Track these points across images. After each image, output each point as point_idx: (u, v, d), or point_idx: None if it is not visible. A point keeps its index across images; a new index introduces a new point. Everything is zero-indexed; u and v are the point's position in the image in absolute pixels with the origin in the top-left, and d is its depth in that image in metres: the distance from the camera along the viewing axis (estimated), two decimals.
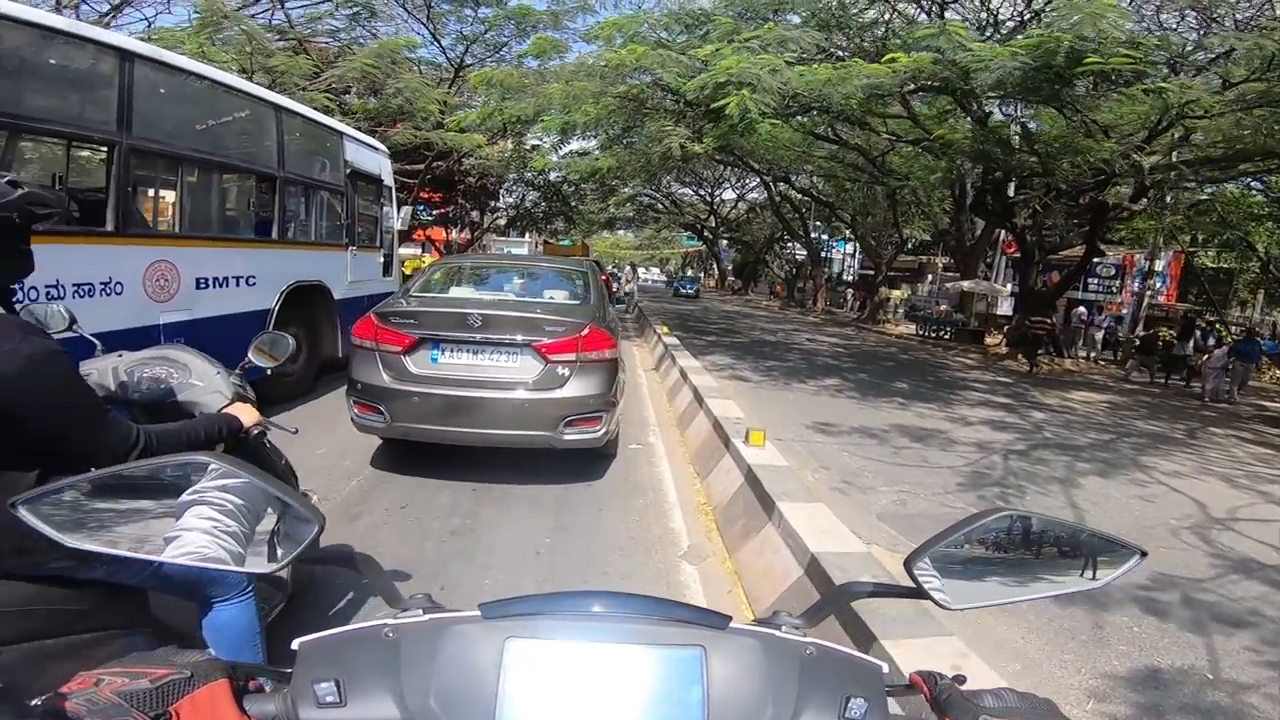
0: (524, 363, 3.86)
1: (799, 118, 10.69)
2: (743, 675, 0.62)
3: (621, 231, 52.55)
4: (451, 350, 3.88)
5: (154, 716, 0.53)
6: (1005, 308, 20.45)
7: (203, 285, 4.61)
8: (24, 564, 1.22)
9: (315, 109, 7.15)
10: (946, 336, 18.78)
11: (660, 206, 39.68)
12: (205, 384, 1.75)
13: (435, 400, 3.75)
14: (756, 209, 36.88)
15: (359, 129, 8.82)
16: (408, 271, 19.70)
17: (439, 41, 17.10)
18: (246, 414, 1.63)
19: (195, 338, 3.83)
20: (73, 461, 1.22)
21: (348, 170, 6.68)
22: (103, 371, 1.69)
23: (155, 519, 0.76)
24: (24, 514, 0.66)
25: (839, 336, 18.17)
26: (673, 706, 0.60)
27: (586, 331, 3.91)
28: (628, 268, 28.36)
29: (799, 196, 28.43)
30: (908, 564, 0.74)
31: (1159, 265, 19.82)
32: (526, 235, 37.32)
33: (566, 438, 3.83)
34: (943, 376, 11.44)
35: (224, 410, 1.65)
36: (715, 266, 51.46)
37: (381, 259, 7.70)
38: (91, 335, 2.00)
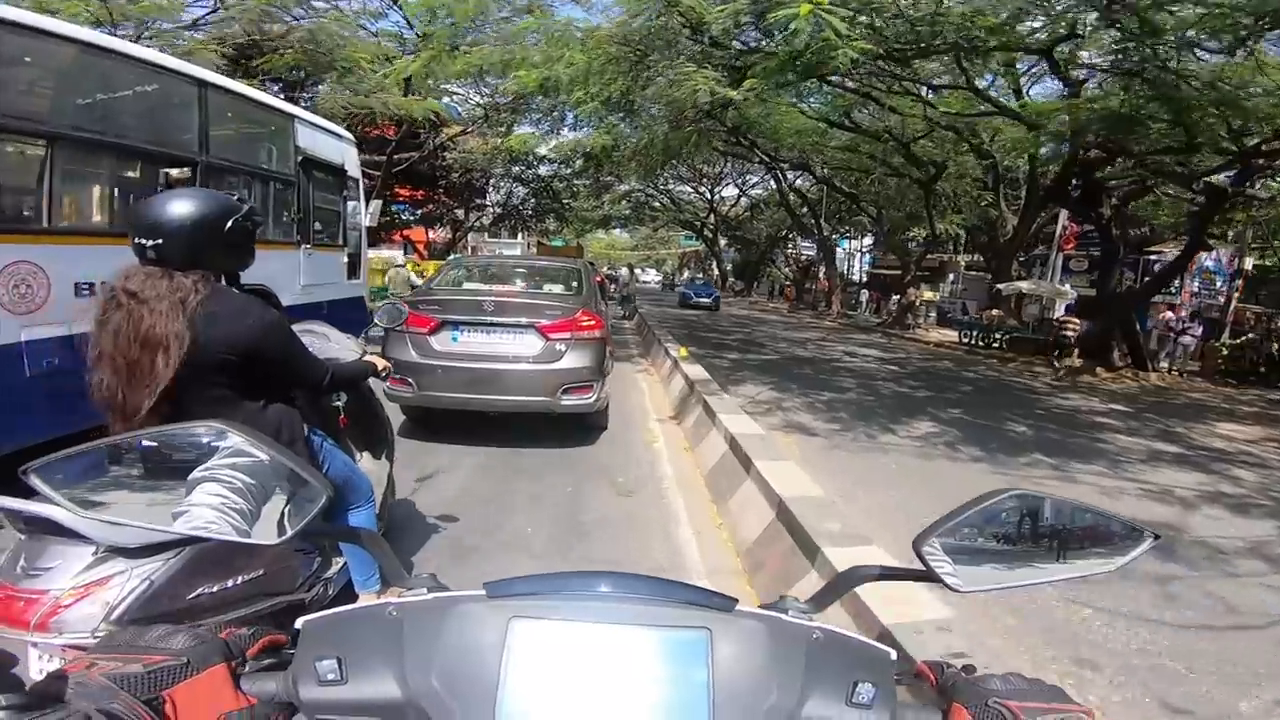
0: (528, 341, 4.66)
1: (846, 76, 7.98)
2: (748, 658, 0.59)
3: (617, 231, 49.98)
4: (469, 331, 4.67)
5: (146, 701, 0.52)
6: (1058, 312, 17.81)
7: (84, 292, 3.81)
8: None
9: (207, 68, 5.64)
10: (998, 345, 16.15)
11: (658, 204, 37.06)
12: (341, 346, 2.32)
13: (456, 372, 4.55)
14: (761, 205, 34.19)
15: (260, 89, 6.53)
16: (411, 271, 17.05)
17: (399, 6, 14.39)
18: (379, 361, 2.27)
19: (75, 358, 3.02)
20: (286, 391, 1.80)
21: (299, 158, 5.88)
22: None
23: (164, 492, 0.77)
24: (34, 481, 0.66)
25: (875, 347, 15.53)
26: (677, 688, 0.57)
27: (579, 315, 4.76)
28: (624, 270, 25.86)
29: (812, 188, 25.83)
30: (916, 546, 0.70)
31: (1227, 264, 17.54)
32: (519, 235, 34.63)
33: (564, 403, 4.62)
34: (1049, 407, 8.75)
35: (363, 359, 2.25)
36: (715, 267, 48.73)
37: (345, 259, 6.78)
38: None
